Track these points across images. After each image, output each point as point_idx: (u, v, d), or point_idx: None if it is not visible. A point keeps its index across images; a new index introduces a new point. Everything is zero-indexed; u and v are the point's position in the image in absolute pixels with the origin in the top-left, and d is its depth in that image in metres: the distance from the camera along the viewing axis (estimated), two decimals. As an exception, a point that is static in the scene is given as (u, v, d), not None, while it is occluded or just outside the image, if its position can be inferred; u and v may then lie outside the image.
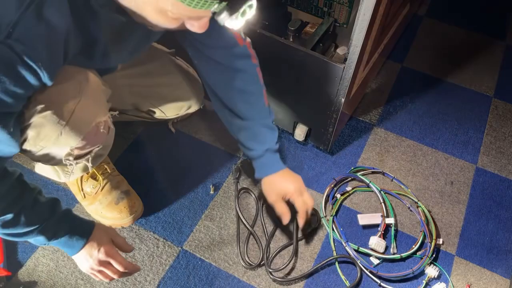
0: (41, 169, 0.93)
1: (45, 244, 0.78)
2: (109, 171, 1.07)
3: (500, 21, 1.67)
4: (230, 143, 1.23)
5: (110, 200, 1.04)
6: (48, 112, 0.70)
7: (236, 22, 0.59)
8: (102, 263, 0.84)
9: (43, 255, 1.02)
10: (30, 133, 0.70)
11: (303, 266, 1.03)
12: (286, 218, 1.00)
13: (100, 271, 0.85)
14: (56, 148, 0.75)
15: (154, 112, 1.17)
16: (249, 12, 0.60)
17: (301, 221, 1.01)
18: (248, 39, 0.93)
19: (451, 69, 1.48)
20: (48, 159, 0.77)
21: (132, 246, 0.92)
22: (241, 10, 0.58)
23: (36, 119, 0.69)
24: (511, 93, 1.43)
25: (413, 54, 1.52)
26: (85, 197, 1.05)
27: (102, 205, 1.04)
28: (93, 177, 1.05)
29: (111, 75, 0.93)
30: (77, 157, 0.80)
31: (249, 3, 0.59)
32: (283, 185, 1.00)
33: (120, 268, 0.86)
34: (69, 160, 0.78)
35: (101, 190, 1.04)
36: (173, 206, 1.11)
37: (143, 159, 1.18)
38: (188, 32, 0.64)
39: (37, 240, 0.78)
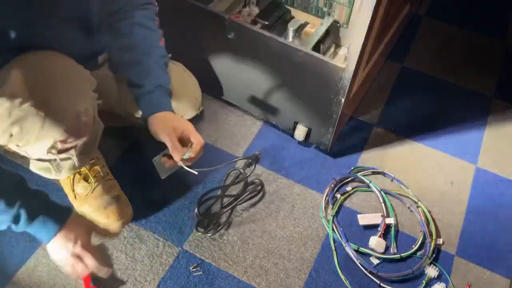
0: (33, 166, 0.92)
1: (20, 228, 0.76)
2: (102, 175, 1.05)
3: (500, 21, 1.67)
4: (230, 143, 1.23)
5: (99, 204, 1.03)
6: (26, 105, 0.71)
7: None
8: (76, 257, 0.82)
9: (43, 255, 1.02)
10: (15, 128, 0.72)
11: (303, 266, 1.03)
12: (179, 153, 0.89)
13: (72, 265, 0.82)
14: (41, 142, 0.75)
15: None
16: None
17: (193, 155, 0.91)
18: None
19: (451, 69, 1.48)
20: (35, 155, 0.78)
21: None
22: None
23: (16, 113, 0.71)
24: (511, 93, 1.43)
25: (413, 54, 1.52)
26: (76, 197, 1.04)
27: (91, 208, 1.03)
28: (86, 179, 1.04)
29: (100, 73, 0.93)
30: (61, 151, 0.79)
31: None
32: (178, 121, 0.91)
33: (88, 269, 0.84)
34: (51, 153, 0.77)
35: (92, 193, 1.03)
36: (173, 206, 1.11)
37: (143, 159, 1.18)
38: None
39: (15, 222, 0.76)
